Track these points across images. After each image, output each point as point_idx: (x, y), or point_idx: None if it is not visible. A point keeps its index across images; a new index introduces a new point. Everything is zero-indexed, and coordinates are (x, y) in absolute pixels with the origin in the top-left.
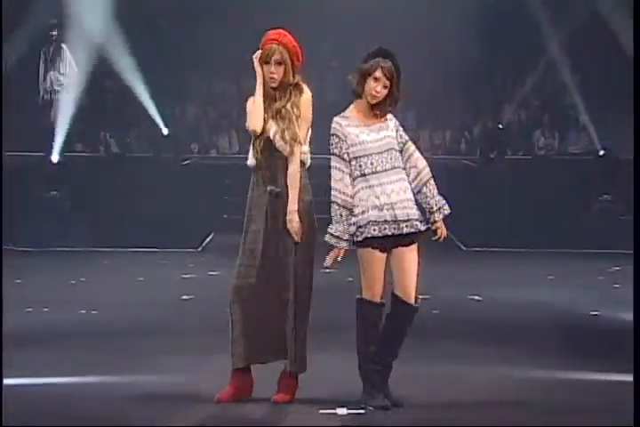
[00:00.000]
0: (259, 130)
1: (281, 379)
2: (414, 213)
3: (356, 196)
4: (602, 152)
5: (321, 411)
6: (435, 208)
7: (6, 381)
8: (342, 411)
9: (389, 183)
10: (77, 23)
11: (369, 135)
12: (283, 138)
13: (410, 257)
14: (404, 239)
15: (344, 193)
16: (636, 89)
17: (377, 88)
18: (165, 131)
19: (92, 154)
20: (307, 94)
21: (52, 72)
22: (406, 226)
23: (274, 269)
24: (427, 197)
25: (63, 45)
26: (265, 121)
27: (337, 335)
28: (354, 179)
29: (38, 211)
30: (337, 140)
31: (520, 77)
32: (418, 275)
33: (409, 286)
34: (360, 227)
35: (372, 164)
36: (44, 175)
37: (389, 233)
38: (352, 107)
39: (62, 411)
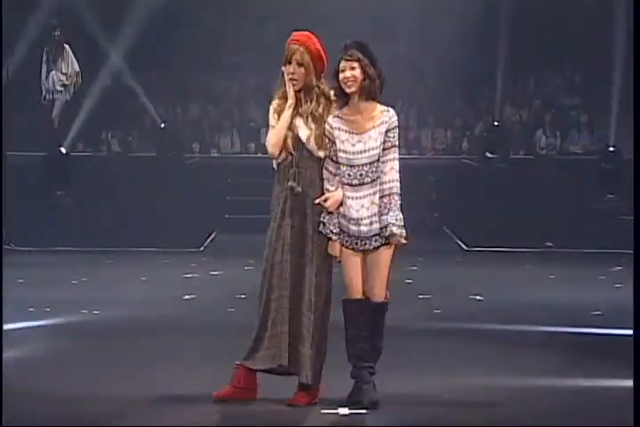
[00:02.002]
0: (276, 154)
1: (299, 383)
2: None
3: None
4: (612, 148)
5: (322, 411)
6: (383, 224)
7: (12, 380)
8: (344, 411)
9: (362, 198)
10: (79, 23)
11: (355, 146)
12: (317, 142)
13: (379, 261)
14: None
15: (330, 192)
16: (635, 89)
17: (345, 75)
18: (162, 124)
19: (93, 153)
20: (336, 104)
21: (54, 72)
22: (373, 240)
23: (294, 269)
24: (383, 210)
25: (65, 45)
26: (289, 119)
27: (340, 335)
28: (338, 182)
29: (40, 210)
30: (327, 140)
31: (522, 77)
32: (389, 271)
33: (375, 287)
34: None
35: (349, 175)
36: (46, 175)
37: (352, 247)
38: (345, 110)
39: (63, 410)
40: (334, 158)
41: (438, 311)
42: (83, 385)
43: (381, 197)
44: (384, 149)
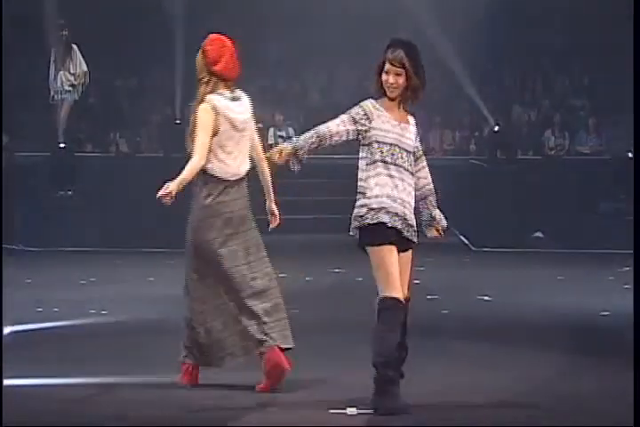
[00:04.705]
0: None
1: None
2: (414, 221)
3: (372, 179)
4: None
5: (331, 411)
6: (435, 217)
7: (15, 381)
8: (352, 411)
9: (404, 180)
10: (88, 23)
11: (395, 128)
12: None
13: (409, 260)
14: (405, 243)
15: (328, 128)
16: (635, 89)
17: (389, 80)
18: (177, 121)
19: (102, 154)
20: (203, 104)
21: (62, 72)
22: (412, 231)
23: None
24: (424, 209)
25: (73, 45)
26: None
27: (348, 336)
28: (373, 162)
29: (48, 211)
30: (362, 113)
31: (530, 77)
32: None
33: (405, 286)
34: (372, 210)
35: (392, 154)
36: (55, 175)
37: (398, 226)
38: (381, 101)
39: (74, 411)
40: (358, 128)
41: (446, 312)
42: (92, 385)
43: (424, 198)
44: (422, 155)
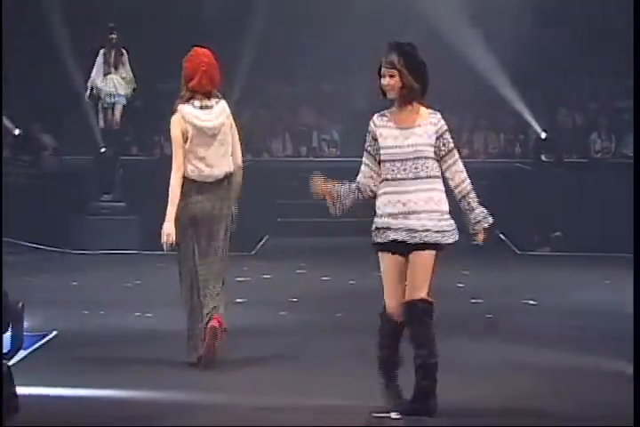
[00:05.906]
0: None
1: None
2: (435, 224)
3: (378, 199)
4: None
5: (374, 414)
6: (473, 221)
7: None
8: (396, 415)
9: (407, 193)
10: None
11: (396, 140)
12: None
13: (420, 262)
14: (419, 245)
15: (358, 181)
16: (635, 90)
17: (384, 82)
18: None
19: (146, 157)
20: (173, 116)
21: (113, 75)
22: (423, 236)
23: None
24: (466, 210)
25: (123, 50)
26: None
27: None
28: (382, 181)
29: (94, 214)
30: (370, 138)
31: (576, 79)
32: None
33: (416, 289)
34: (377, 229)
35: (392, 170)
36: (99, 178)
37: (399, 239)
38: (391, 107)
39: (119, 414)
40: (377, 157)
41: (490, 316)
42: (135, 386)
43: (460, 200)
44: (449, 151)
